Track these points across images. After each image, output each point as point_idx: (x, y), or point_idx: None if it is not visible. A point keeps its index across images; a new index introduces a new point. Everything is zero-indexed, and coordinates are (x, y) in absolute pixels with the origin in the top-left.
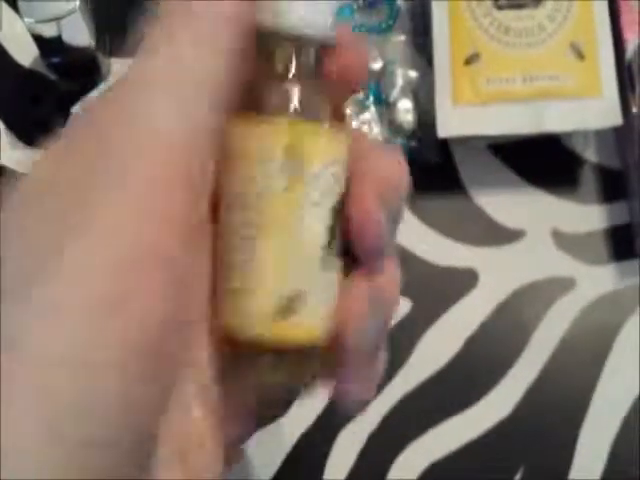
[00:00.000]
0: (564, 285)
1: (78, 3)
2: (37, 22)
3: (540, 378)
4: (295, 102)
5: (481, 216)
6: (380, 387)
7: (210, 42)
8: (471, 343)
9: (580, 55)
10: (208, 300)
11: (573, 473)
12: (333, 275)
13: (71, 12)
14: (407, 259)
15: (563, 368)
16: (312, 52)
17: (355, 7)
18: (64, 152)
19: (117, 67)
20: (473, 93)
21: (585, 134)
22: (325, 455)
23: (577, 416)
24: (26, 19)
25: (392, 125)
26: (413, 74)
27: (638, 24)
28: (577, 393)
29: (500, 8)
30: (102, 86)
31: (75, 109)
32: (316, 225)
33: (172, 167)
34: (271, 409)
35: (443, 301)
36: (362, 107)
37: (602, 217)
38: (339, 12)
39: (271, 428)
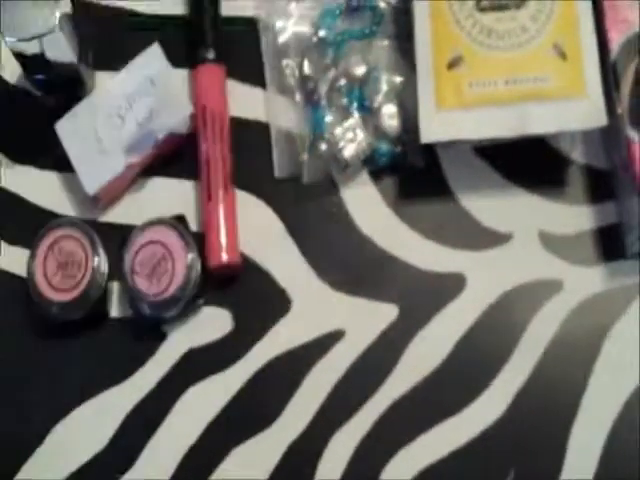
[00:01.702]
0: (552, 287)
1: (58, 21)
2: (19, 40)
3: (530, 380)
4: None
5: (468, 219)
6: (369, 394)
7: None
8: (460, 347)
9: (563, 55)
10: None
11: (564, 474)
12: None
13: (52, 30)
14: (393, 264)
15: (552, 370)
16: None
17: (338, 12)
18: None
19: (101, 80)
20: (456, 97)
21: (572, 135)
22: (315, 463)
23: (567, 418)
24: (7, 38)
25: (377, 131)
26: (397, 79)
27: (622, 24)
28: (567, 394)
29: (482, 10)
30: (85, 100)
31: (59, 124)
32: None
33: None
34: None
35: (431, 306)
36: (346, 113)
37: (590, 218)
38: (322, 17)
39: (260, 436)
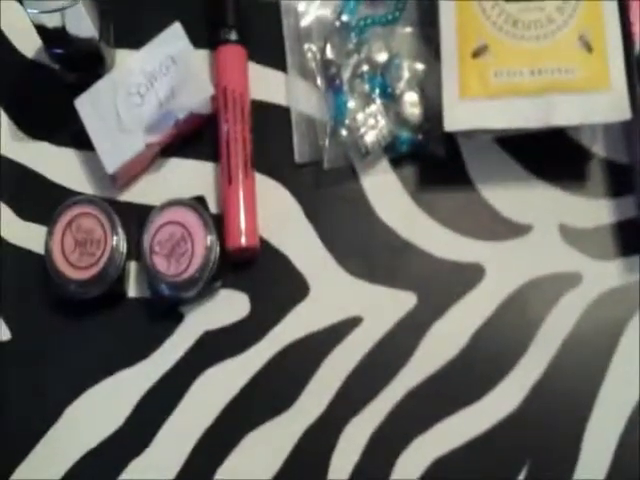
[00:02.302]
0: (571, 280)
1: None
2: (40, 13)
3: (546, 373)
4: None
5: (488, 210)
6: (385, 382)
7: None
8: (477, 338)
9: (589, 48)
10: None
11: (579, 468)
12: None
13: (75, 3)
14: (412, 252)
15: (570, 363)
16: None
17: None
18: None
19: (122, 58)
20: (481, 86)
21: (593, 128)
22: (330, 450)
23: (584, 411)
24: (29, 10)
25: (398, 118)
26: (420, 66)
27: None
28: (584, 388)
29: (508, 0)
30: (106, 77)
31: (78, 100)
32: None
33: None
34: None
35: (449, 295)
36: (368, 99)
37: (609, 212)
38: (346, 1)
39: (275, 421)
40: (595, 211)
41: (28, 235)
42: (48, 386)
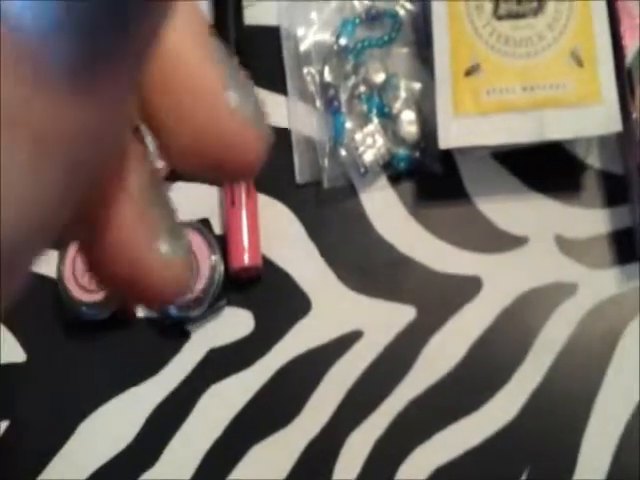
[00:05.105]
0: (567, 290)
1: None
2: None
3: (544, 383)
4: None
5: (484, 223)
6: (386, 394)
7: None
8: (475, 349)
9: (580, 62)
10: None
11: (577, 474)
12: None
13: None
14: (411, 266)
15: (567, 373)
16: None
17: (357, 21)
18: None
19: None
20: (474, 104)
21: (588, 140)
22: (333, 460)
23: (581, 420)
24: None
25: (396, 136)
26: (416, 86)
27: (637, 30)
28: (581, 397)
29: (500, 18)
30: None
31: None
32: None
33: None
34: None
35: (447, 308)
36: (365, 119)
37: (605, 222)
38: (343, 25)
39: (279, 434)
40: (591, 221)
41: (40, 260)
42: (62, 404)
